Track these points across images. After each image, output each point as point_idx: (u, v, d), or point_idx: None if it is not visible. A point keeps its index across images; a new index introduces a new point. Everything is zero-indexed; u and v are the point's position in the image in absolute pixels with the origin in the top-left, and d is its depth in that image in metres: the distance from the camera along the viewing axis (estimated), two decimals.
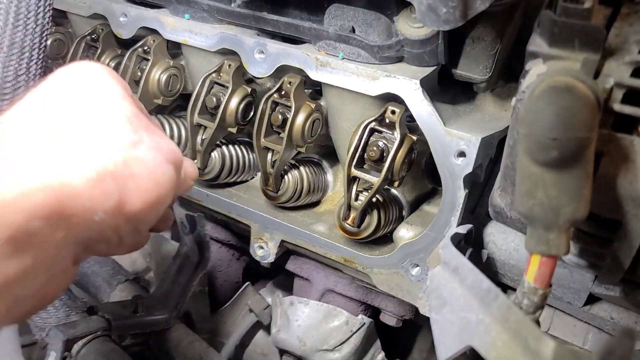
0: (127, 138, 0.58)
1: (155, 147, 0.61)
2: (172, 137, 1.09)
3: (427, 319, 1.39)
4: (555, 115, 0.54)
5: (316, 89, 1.01)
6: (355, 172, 0.88)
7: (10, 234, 0.47)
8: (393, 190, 1.02)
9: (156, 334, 0.98)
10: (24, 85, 0.76)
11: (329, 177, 1.10)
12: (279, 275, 1.32)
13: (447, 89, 0.97)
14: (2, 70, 0.73)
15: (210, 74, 1.00)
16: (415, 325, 1.45)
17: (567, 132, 0.54)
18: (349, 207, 0.91)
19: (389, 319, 1.06)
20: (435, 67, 0.89)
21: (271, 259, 1.04)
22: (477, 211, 0.98)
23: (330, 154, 1.11)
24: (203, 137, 1.02)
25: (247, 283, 1.26)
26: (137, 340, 0.97)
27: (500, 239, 0.93)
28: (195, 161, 1.03)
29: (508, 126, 0.93)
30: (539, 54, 0.65)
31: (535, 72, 0.65)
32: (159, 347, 0.97)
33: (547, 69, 0.64)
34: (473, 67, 0.93)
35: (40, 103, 0.58)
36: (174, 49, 1.12)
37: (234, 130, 1.01)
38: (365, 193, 0.92)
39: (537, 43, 0.66)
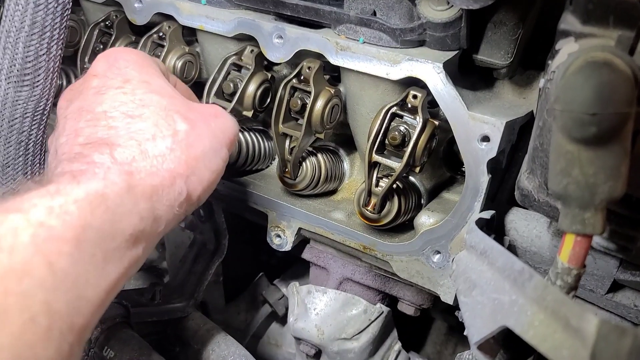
0: (186, 138, 0.71)
1: (211, 136, 0.75)
2: None
3: (441, 311, 1.39)
4: (595, 90, 0.53)
5: (333, 75, 1.00)
6: (376, 157, 0.87)
7: (131, 232, 0.60)
8: (411, 178, 1.01)
9: (173, 322, 0.97)
10: (44, 66, 0.75)
11: (346, 165, 1.09)
12: (292, 266, 1.31)
13: (465, 76, 0.96)
14: (24, 50, 0.73)
15: (230, 56, 0.98)
16: (429, 318, 1.44)
17: (607, 108, 0.53)
18: (370, 193, 0.90)
19: (407, 308, 1.05)
20: (457, 52, 0.88)
21: (288, 247, 1.02)
22: (497, 198, 0.97)
23: (346, 142, 1.10)
24: None
25: (261, 274, 1.25)
26: (155, 328, 0.96)
27: (522, 226, 0.92)
28: None
29: (528, 113, 0.93)
30: (571, 32, 0.64)
31: (566, 51, 0.64)
32: (176, 336, 0.96)
33: (579, 47, 0.63)
34: (494, 52, 0.92)
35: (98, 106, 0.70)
36: (189, 35, 1.11)
37: (249, 114, 1.00)
38: (385, 179, 0.91)
39: (569, 21, 0.65)
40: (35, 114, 0.78)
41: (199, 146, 0.72)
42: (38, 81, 0.76)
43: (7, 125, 0.78)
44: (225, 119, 0.81)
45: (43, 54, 0.74)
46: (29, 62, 0.74)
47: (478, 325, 0.62)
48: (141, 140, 0.67)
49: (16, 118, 0.77)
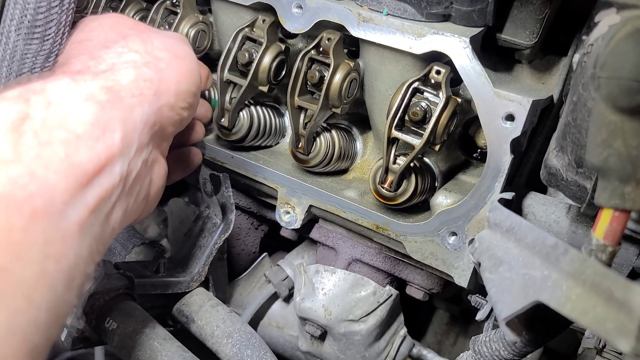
0: (139, 36, 0.72)
1: (162, 34, 0.76)
2: None
3: (445, 300, 1.36)
4: None
5: (350, 50, 0.97)
6: (395, 133, 0.85)
7: (92, 120, 0.59)
8: (426, 159, 0.99)
9: (177, 297, 0.94)
10: (56, 19, 0.71)
11: (359, 144, 1.06)
12: (295, 248, 1.27)
13: (486, 57, 0.93)
14: (36, 1, 0.69)
15: (243, 29, 0.95)
16: (431, 307, 1.42)
17: None
18: (387, 170, 0.88)
19: (416, 292, 1.02)
20: (482, 28, 0.86)
21: (297, 225, 1.00)
22: (515, 182, 0.95)
23: (359, 122, 1.07)
24: (232, 96, 0.98)
25: (264, 254, 1.22)
26: (158, 302, 0.92)
27: (540, 211, 0.90)
28: (223, 120, 0.99)
29: (548, 97, 0.92)
30: (614, 3, 0.62)
31: (607, 22, 0.62)
32: (179, 311, 0.93)
33: (620, 19, 0.61)
34: (519, 32, 0.90)
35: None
36: (203, 5, 1.08)
37: (265, 89, 0.97)
38: (402, 157, 0.88)
39: None
40: (44, 69, 0.74)
41: (154, 39, 0.73)
42: (49, 34, 0.72)
43: (15, 81, 0.74)
44: (171, 31, 0.84)
45: (56, 5, 0.71)
46: (41, 13, 0.70)
47: (507, 301, 0.59)
48: (91, 51, 0.68)
49: (24, 72, 0.73)
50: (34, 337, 0.51)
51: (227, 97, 0.98)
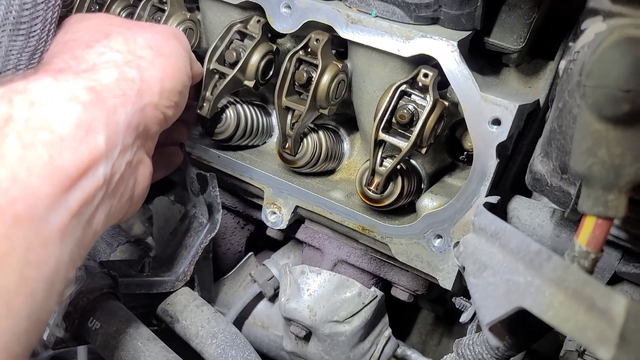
0: (122, 34, 0.71)
1: (151, 30, 0.75)
2: None
3: (430, 301, 1.37)
4: (632, 66, 0.51)
5: (339, 51, 0.97)
6: (382, 135, 0.85)
7: (75, 122, 0.58)
8: (413, 162, 0.99)
9: (161, 296, 0.93)
10: (42, 15, 0.71)
11: (346, 145, 1.06)
12: (281, 247, 1.27)
13: (474, 60, 0.94)
14: None
15: (235, 23, 0.95)
16: (416, 307, 1.43)
17: None
18: (373, 172, 0.88)
19: (401, 293, 1.03)
20: (470, 32, 0.86)
21: (283, 225, 1.00)
22: (500, 185, 0.96)
23: (346, 122, 1.07)
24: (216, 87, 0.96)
25: (250, 253, 1.21)
26: (142, 302, 0.92)
27: (525, 215, 0.90)
28: (202, 109, 0.96)
29: (534, 101, 0.92)
30: (600, 10, 0.62)
31: (593, 30, 0.62)
32: (164, 311, 0.93)
33: (607, 27, 0.61)
34: (507, 36, 0.90)
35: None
36: (191, 2, 1.07)
37: (251, 84, 0.96)
38: (389, 159, 0.88)
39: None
40: (30, 67, 0.73)
41: (139, 37, 0.72)
42: (34, 31, 0.71)
43: None
44: (164, 25, 0.83)
45: (42, 2, 0.70)
46: (27, 9, 0.69)
47: (490, 306, 0.60)
48: (74, 50, 0.68)
49: (8, 70, 0.72)
50: (14, 345, 0.50)
51: (210, 87, 0.96)
